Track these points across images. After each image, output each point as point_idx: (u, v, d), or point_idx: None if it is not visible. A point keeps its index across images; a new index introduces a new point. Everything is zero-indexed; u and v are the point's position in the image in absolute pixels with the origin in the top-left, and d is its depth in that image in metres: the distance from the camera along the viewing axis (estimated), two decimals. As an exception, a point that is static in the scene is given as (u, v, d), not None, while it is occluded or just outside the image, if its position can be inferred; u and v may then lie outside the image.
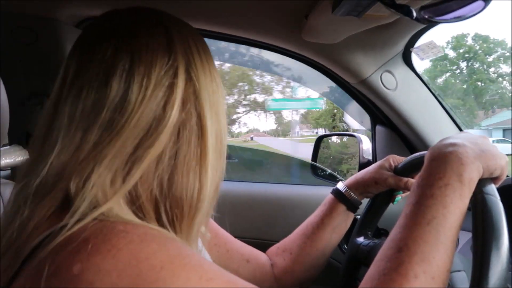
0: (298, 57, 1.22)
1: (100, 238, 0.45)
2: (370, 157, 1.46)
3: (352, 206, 0.96)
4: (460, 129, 1.29)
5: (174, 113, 0.52)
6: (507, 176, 1.13)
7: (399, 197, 0.97)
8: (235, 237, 0.96)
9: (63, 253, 0.44)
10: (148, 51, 0.54)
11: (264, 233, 1.42)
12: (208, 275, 0.47)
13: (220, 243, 0.90)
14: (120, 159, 0.50)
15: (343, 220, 0.96)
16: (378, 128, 1.40)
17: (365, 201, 0.99)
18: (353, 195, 0.95)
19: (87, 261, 0.43)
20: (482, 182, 0.62)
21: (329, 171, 1.73)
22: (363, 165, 1.44)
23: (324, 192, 1.03)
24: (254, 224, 1.43)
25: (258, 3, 0.97)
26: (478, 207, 0.59)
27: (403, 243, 0.55)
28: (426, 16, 0.61)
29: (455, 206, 0.57)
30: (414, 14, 0.60)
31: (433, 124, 1.25)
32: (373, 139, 1.44)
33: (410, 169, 0.88)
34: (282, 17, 1.02)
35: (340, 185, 0.98)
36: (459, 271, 0.74)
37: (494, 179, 0.64)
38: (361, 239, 0.96)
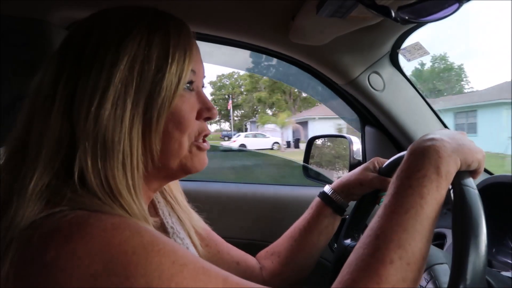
0: (286, 58, 1.23)
1: (74, 226, 0.47)
2: (361, 158, 1.47)
3: (338, 208, 0.97)
4: (446, 128, 1.31)
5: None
6: (491, 172, 1.15)
7: (384, 198, 0.99)
8: (226, 237, 0.97)
9: (40, 241, 0.47)
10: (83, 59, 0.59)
11: (255, 233, 1.43)
12: (181, 260, 0.49)
13: (211, 244, 0.92)
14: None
15: (330, 222, 0.98)
16: (367, 128, 1.42)
17: (352, 204, 1.01)
18: (339, 197, 0.97)
19: (61, 248, 0.45)
20: (461, 175, 0.63)
21: (319, 171, 1.74)
22: (353, 165, 1.45)
23: (314, 193, 1.04)
24: (245, 225, 1.44)
25: (245, 5, 0.99)
26: (457, 198, 0.61)
27: (381, 231, 0.57)
28: (405, 17, 0.63)
29: (432, 196, 0.59)
30: (393, 15, 0.62)
31: (420, 124, 1.27)
32: (362, 140, 1.45)
33: (394, 169, 0.88)
34: (269, 19, 1.03)
35: (327, 188, 1.00)
36: (442, 263, 0.75)
37: (472, 173, 0.66)
38: (348, 241, 0.97)
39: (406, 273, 0.54)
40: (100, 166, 0.55)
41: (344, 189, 0.97)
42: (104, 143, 0.56)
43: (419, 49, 1.15)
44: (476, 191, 0.61)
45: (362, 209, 1.00)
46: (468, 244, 0.56)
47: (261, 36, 1.14)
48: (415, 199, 0.58)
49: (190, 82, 0.66)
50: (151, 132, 0.60)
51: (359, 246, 0.58)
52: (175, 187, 0.85)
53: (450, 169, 0.61)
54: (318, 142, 1.68)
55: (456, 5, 0.58)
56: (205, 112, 0.69)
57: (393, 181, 0.64)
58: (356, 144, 1.49)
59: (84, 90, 0.57)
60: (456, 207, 0.60)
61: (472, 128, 18.05)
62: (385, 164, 0.93)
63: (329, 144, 1.76)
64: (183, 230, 0.79)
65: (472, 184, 0.62)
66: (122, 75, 0.57)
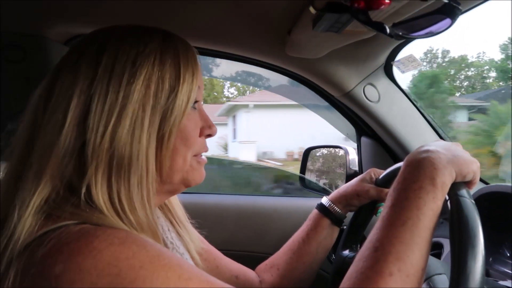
0: (283, 71, 1.25)
1: (82, 240, 0.48)
2: (357, 168, 1.48)
3: (336, 220, 0.98)
4: (442, 139, 1.32)
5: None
6: (486, 182, 1.16)
7: (382, 209, 0.99)
8: (224, 250, 0.98)
9: (47, 255, 0.47)
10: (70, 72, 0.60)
11: (253, 245, 1.43)
12: (187, 274, 0.50)
13: (210, 259, 0.92)
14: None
15: (328, 234, 0.98)
16: (363, 139, 1.43)
17: (350, 215, 1.01)
18: (337, 209, 0.98)
19: (68, 262, 0.46)
20: (457, 186, 0.64)
21: (317, 182, 1.75)
22: (350, 176, 1.46)
23: (312, 204, 1.05)
24: (243, 237, 1.44)
25: (243, 20, 1.00)
26: (454, 209, 0.62)
27: (379, 243, 0.58)
28: (400, 33, 0.65)
29: (428, 208, 0.60)
30: (388, 30, 0.64)
31: (416, 135, 1.29)
32: (358, 151, 1.46)
33: (390, 180, 0.89)
34: (266, 33, 1.05)
35: (324, 200, 1.00)
36: (440, 274, 0.76)
37: (467, 183, 0.67)
38: (346, 252, 0.98)
39: (405, 284, 0.54)
40: (113, 183, 0.56)
41: (342, 200, 0.98)
42: (120, 161, 0.57)
43: (412, 61, 1.17)
44: (472, 202, 0.62)
45: (360, 220, 1.00)
46: (465, 254, 0.56)
47: (258, 50, 1.16)
48: (412, 211, 0.59)
49: (195, 101, 0.68)
50: (163, 149, 0.62)
51: (359, 258, 0.59)
52: (175, 202, 0.85)
53: (445, 180, 0.63)
54: (315, 152, 1.69)
55: (449, 21, 0.60)
56: (206, 130, 0.72)
57: (390, 193, 0.65)
58: (352, 155, 1.50)
59: (102, 107, 0.57)
60: (452, 218, 0.61)
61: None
62: (381, 175, 0.94)
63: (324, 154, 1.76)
64: (182, 246, 0.80)
65: (467, 194, 0.63)
66: (139, 94, 0.58)
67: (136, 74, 0.59)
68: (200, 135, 0.71)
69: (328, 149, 1.72)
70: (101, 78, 0.58)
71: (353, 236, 1.00)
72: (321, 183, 1.72)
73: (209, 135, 0.73)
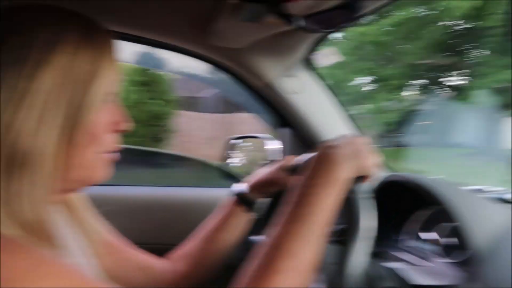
0: (205, 59, 1.23)
1: None
2: (275, 158, 1.50)
3: (250, 206, 0.98)
4: (359, 131, 1.39)
5: None
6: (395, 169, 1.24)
7: None
8: (137, 243, 0.93)
9: None
10: None
11: (160, 237, 1.41)
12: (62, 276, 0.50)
13: (111, 252, 0.87)
14: None
15: (242, 220, 0.98)
16: (284, 129, 1.46)
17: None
18: (251, 195, 0.98)
19: None
20: (353, 181, 0.68)
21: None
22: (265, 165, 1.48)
23: (219, 193, 1.04)
24: (149, 229, 1.42)
25: (164, 6, 0.97)
26: (347, 205, 0.66)
27: (274, 240, 0.59)
28: (311, 26, 0.66)
29: (323, 203, 0.62)
30: (300, 23, 0.65)
31: (332, 126, 1.34)
32: (279, 140, 1.49)
33: (301, 169, 0.92)
34: (187, 19, 1.02)
35: (239, 186, 1.00)
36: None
37: (365, 178, 0.71)
38: (254, 238, 0.99)
39: (297, 281, 0.57)
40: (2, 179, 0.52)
41: (256, 187, 0.98)
42: (12, 154, 0.52)
43: (333, 54, 1.22)
44: (364, 197, 0.67)
45: (272, 207, 1.00)
46: (348, 249, 0.62)
47: (180, 37, 1.13)
48: (306, 207, 0.61)
49: (110, 93, 0.64)
50: (66, 145, 0.57)
51: (256, 256, 0.60)
52: (76, 195, 0.79)
53: (341, 176, 0.65)
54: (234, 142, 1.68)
55: (351, 17, 0.62)
56: (120, 125, 0.67)
57: (291, 189, 0.67)
58: (271, 144, 1.51)
59: (6, 95, 0.52)
60: (346, 213, 0.65)
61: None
62: (295, 164, 0.94)
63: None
64: (80, 243, 0.74)
65: (362, 191, 0.68)
66: (41, 85, 0.54)
67: (44, 64, 0.54)
68: (113, 131, 0.66)
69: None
70: (10, 65, 0.53)
71: (262, 222, 1.00)
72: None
73: (122, 131, 0.69)
